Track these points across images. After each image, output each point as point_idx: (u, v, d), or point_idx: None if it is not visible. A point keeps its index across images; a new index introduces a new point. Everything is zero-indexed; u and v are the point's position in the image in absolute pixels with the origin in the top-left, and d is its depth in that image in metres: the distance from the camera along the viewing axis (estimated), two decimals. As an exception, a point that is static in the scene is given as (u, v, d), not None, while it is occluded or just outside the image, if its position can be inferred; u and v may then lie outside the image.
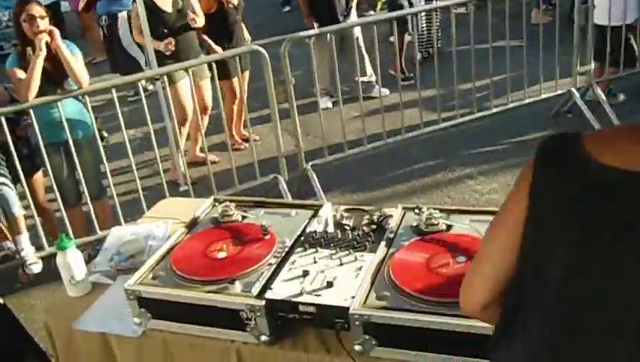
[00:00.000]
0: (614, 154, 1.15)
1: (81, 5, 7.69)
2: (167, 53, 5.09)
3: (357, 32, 6.11)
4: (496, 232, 1.32)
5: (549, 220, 1.21)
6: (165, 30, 5.12)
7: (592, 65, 5.59)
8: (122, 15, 7.12)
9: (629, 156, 1.14)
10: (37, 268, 4.33)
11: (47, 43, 3.96)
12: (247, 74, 5.74)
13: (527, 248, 1.24)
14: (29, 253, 4.31)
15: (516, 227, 1.25)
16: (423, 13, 6.69)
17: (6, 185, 4.19)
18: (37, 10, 3.99)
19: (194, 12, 5.29)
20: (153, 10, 5.04)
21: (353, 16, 6.49)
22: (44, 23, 3.98)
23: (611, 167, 1.14)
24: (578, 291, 1.17)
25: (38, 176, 4.48)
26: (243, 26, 5.97)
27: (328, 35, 5.66)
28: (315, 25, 6.05)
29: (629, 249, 1.12)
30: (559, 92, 5.63)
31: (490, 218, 2.12)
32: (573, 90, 5.57)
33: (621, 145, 1.17)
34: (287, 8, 11.19)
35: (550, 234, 1.20)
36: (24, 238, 4.33)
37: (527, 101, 5.53)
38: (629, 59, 5.60)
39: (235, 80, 5.57)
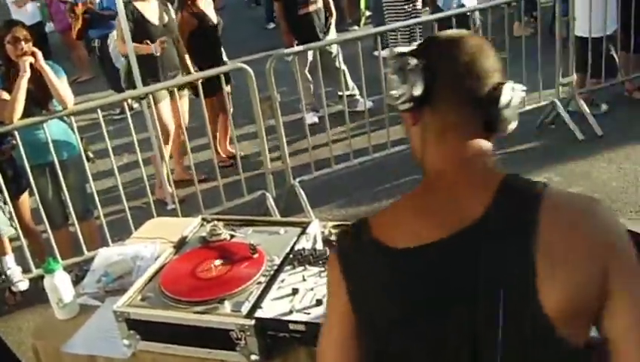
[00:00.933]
0: (401, 235, 1.20)
1: (74, 34, 7.72)
2: (157, 54, 5.10)
3: (334, 48, 6.13)
4: (330, 323, 1.32)
5: (372, 309, 1.24)
6: (149, 42, 5.13)
7: (575, 77, 5.66)
8: (112, 33, 7.18)
9: (414, 233, 1.19)
10: (23, 285, 4.31)
11: (31, 64, 3.96)
12: (229, 89, 5.75)
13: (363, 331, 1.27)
14: (14, 271, 4.29)
15: (346, 317, 1.27)
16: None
17: None
18: (22, 33, 4.00)
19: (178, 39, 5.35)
20: (140, 21, 5.08)
21: (332, 33, 6.53)
22: (28, 46, 3.98)
23: (402, 249, 1.18)
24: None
25: (24, 197, 4.45)
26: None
27: (309, 52, 5.69)
28: (294, 42, 6.07)
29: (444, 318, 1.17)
30: (542, 103, 5.68)
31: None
32: (556, 101, 5.63)
33: (404, 225, 1.22)
34: (271, 25, 11.22)
35: (379, 321, 1.23)
36: (9, 259, 4.30)
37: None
38: (610, 69, 5.67)
39: (215, 98, 5.59)
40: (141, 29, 5.06)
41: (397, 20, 6.51)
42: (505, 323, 1.12)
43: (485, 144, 1.23)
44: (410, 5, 6.82)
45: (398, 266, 1.19)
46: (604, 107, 5.85)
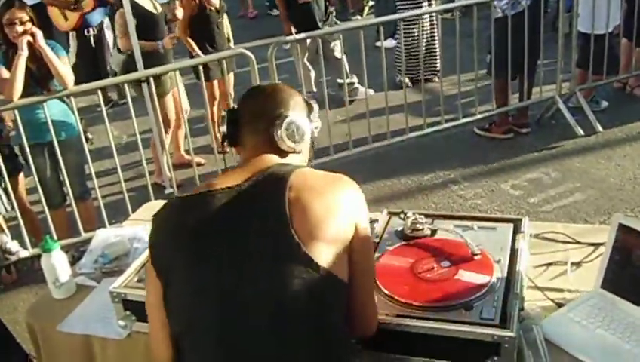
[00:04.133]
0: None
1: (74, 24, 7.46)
2: (162, 51, 5.06)
3: (332, 38, 6.11)
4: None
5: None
6: (154, 31, 5.07)
7: (576, 72, 5.65)
8: (105, 20, 7.19)
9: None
10: (24, 253, 4.26)
11: (31, 44, 3.94)
12: (232, 75, 5.75)
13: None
14: (12, 244, 4.26)
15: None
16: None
17: None
18: (17, 16, 3.94)
19: (174, 13, 5.32)
20: (140, 13, 4.96)
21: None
22: (27, 25, 3.95)
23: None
24: None
25: (20, 177, 4.44)
26: (228, 26, 5.96)
27: (308, 40, 5.65)
28: (293, 30, 6.04)
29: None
30: (543, 98, 5.68)
31: (474, 223, 2.16)
32: (557, 96, 5.63)
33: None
34: (275, 12, 11.18)
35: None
36: (5, 237, 4.29)
37: (511, 107, 5.57)
38: (612, 66, 5.67)
39: (215, 82, 5.58)
40: (143, 20, 4.90)
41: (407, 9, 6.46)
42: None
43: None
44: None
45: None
46: (604, 104, 5.85)
